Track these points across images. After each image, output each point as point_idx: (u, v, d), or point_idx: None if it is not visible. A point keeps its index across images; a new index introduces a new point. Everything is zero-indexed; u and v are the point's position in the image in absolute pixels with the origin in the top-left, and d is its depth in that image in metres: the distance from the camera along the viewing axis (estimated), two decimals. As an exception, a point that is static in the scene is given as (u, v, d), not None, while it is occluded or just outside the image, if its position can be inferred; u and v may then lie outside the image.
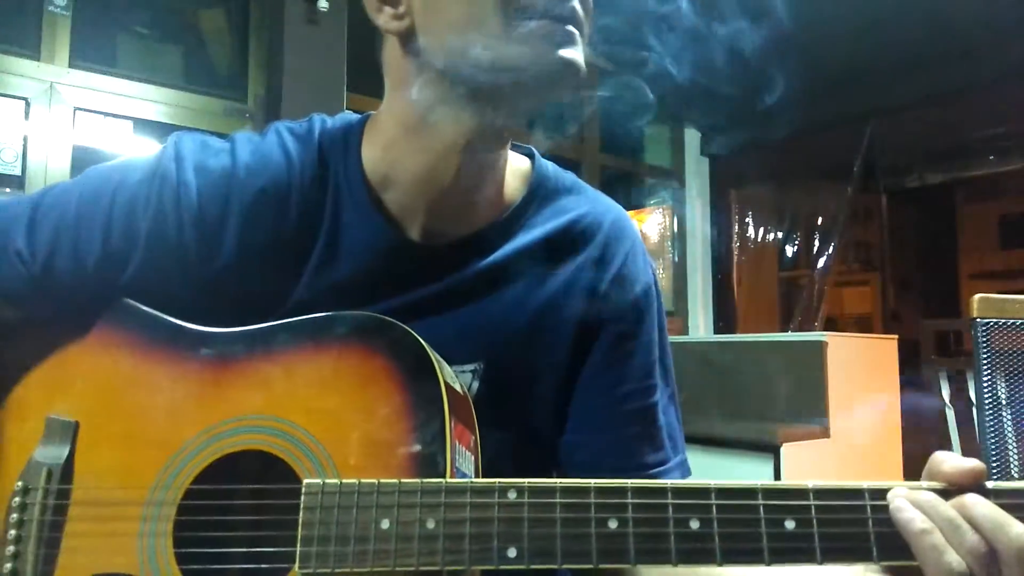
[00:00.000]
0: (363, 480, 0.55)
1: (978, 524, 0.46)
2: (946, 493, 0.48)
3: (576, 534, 0.51)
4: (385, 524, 0.53)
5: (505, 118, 0.68)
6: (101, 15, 2.87)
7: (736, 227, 5.00)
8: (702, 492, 0.50)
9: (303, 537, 0.54)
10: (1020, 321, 1.39)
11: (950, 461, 0.48)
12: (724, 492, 0.49)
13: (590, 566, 0.50)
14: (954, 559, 0.45)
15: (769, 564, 0.48)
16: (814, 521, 0.48)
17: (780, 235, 4.97)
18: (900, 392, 3.98)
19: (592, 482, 0.52)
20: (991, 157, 4.72)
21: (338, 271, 0.70)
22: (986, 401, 1.36)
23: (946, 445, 1.97)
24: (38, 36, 2.71)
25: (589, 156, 4.48)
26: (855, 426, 3.75)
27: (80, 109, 2.76)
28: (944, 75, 3.75)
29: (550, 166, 0.80)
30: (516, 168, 0.78)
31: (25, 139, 2.65)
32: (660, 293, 0.80)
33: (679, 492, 0.50)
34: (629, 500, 0.50)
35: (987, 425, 1.36)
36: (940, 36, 3.55)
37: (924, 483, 0.49)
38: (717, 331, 4.82)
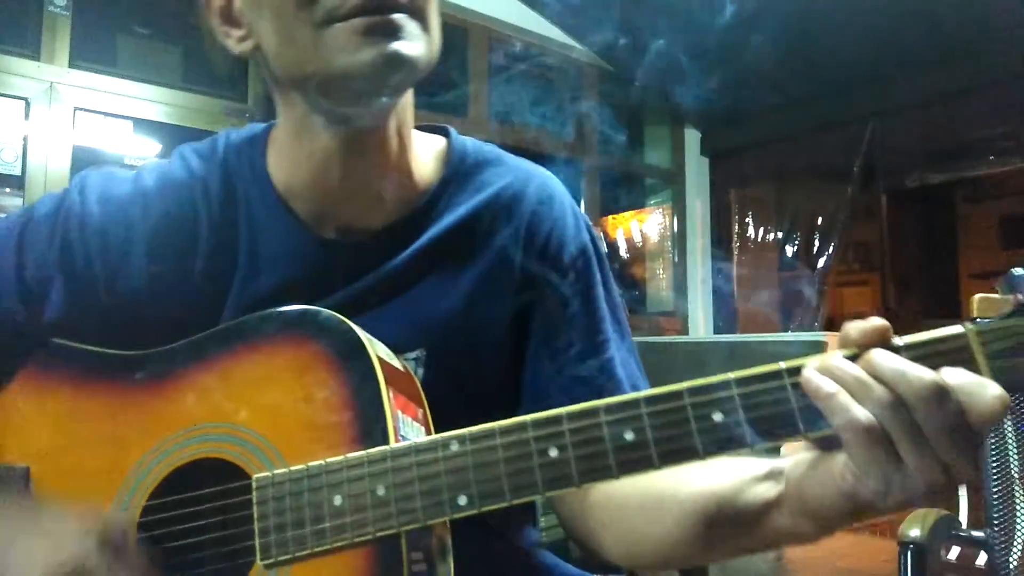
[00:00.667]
0: (310, 464, 0.56)
1: (883, 376, 0.46)
2: (857, 358, 0.48)
3: (520, 469, 0.52)
4: (338, 500, 0.55)
5: (360, 118, 0.67)
6: (101, 15, 2.87)
7: (736, 227, 5.00)
8: (632, 404, 0.51)
9: (260, 529, 0.56)
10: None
11: (856, 325, 0.49)
12: (651, 399, 0.51)
13: (538, 496, 0.52)
14: (861, 412, 0.45)
15: (704, 458, 0.49)
16: (740, 409, 0.48)
17: (780, 235, 4.97)
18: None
19: (527, 417, 0.53)
20: (991, 157, 4.71)
21: (264, 283, 0.70)
22: (986, 401, 1.36)
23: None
24: (38, 36, 2.71)
25: (589, 156, 4.48)
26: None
27: (80, 109, 2.76)
28: (944, 75, 3.75)
29: (468, 141, 0.79)
30: (431, 149, 0.77)
31: (25, 139, 2.64)
32: (600, 249, 0.79)
33: (610, 409, 0.51)
34: (565, 427, 0.52)
35: (987, 425, 1.36)
36: (940, 36, 3.55)
37: (836, 351, 0.49)
38: (717, 331, 4.81)
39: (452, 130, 0.80)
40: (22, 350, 0.68)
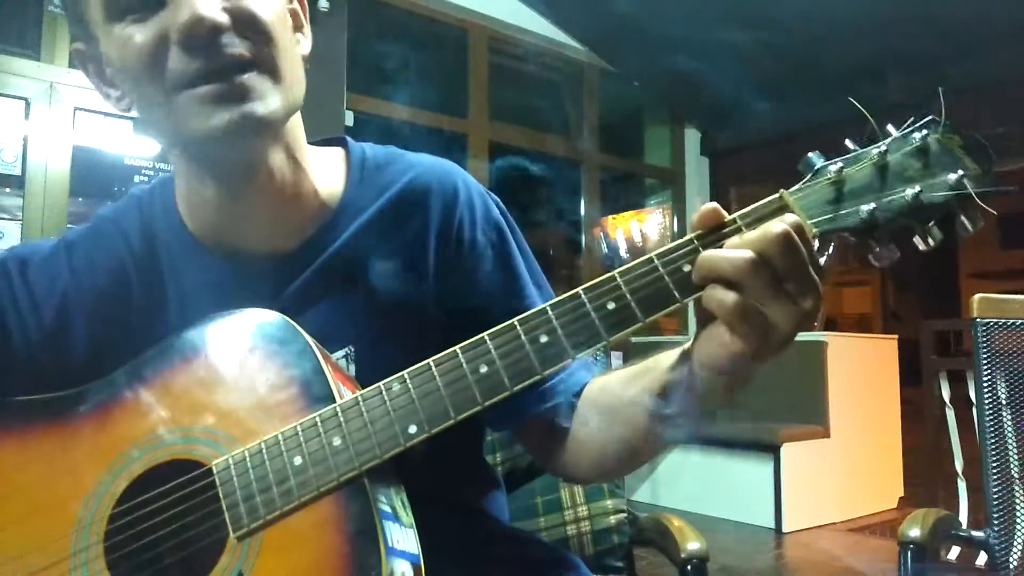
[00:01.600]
0: (265, 438, 0.60)
1: (749, 243, 0.54)
2: (705, 237, 0.59)
3: (458, 388, 0.59)
4: (298, 460, 0.58)
5: (236, 169, 0.69)
6: (101, 15, 2.87)
7: (736, 227, 4.99)
8: (541, 313, 0.59)
9: (228, 504, 0.58)
10: (1020, 321, 1.39)
11: (695, 216, 0.59)
12: (555, 305, 0.59)
13: (478, 407, 0.58)
14: (728, 295, 0.54)
15: (609, 338, 0.58)
16: (627, 294, 0.58)
17: (780, 235, 4.97)
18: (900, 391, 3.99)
19: (456, 347, 0.60)
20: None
21: (194, 316, 0.71)
22: (986, 401, 1.37)
23: (946, 445, 1.97)
24: (38, 36, 2.71)
25: (589, 156, 4.48)
26: (855, 425, 3.75)
27: (80, 109, 2.76)
28: (944, 75, 3.75)
29: (367, 146, 0.81)
30: (331, 162, 0.79)
31: (25, 139, 2.65)
32: (510, 220, 0.82)
33: (524, 321, 0.59)
34: (489, 344, 0.59)
35: (987, 425, 1.36)
36: (940, 36, 3.55)
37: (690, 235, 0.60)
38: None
39: (348, 138, 0.81)
40: None
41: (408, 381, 0.59)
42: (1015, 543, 1.32)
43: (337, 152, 0.80)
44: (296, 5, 0.73)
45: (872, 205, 0.57)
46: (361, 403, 0.59)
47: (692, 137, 4.99)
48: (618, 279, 0.58)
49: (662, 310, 0.59)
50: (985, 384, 1.37)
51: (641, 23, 3.91)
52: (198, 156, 0.69)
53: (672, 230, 4.94)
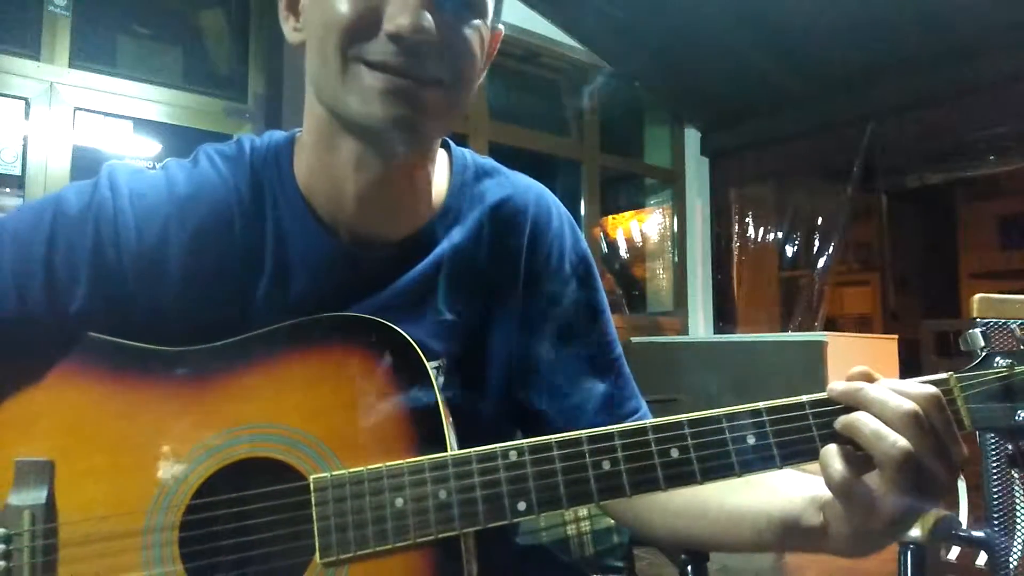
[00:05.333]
0: (369, 467, 0.58)
1: (902, 392, 0.55)
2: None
3: (576, 479, 0.57)
4: (399, 502, 0.57)
5: (376, 148, 0.68)
6: (101, 15, 2.87)
7: (736, 227, 5.00)
8: (676, 425, 0.58)
9: (320, 529, 0.57)
10: (1020, 321, 1.39)
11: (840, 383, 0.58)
12: (694, 422, 0.58)
13: (592, 503, 0.57)
14: (897, 438, 0.53)
15: (740, 475, 0.57)
16: (769, 433, 0.57)
17: (780, 235, 4.97)
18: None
19: (582, 433, 0.58)
20: (991, 157, 4.72)
21: (291, 289, 0.71)
22: (986, 401, 1.36)
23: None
24: (38, 36, 2.71)
25: (589, 156, 4.48)
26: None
27: (80, 109, 2.76)
28: (944, 75, 3.75)
29: (467, 152, 0.81)
30: (440, 162, 0.78)
31: (25, 139, 2.65)
32: (591, 256, 0.83)
33: (657, 428, 0.58)
34: (617, 442, 0.58)
35: (987, 425, 1.35)
36: (940, 36, 3.55)
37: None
38: (717, 331, 4.81)
39: (450, 142, 0.81)
40: (49, 343, 0.66)
41: (527, 455, 0.58)
42: (1015, 543, 1.32)
43: (442, 154, 0.80)
44: (492, 33, 0.73)
45: None
46: (475, 463, 0.58)
47: (692, 137, 4.99)
48: (764, 414, 0.57)
49: (801, 461, 0.58)
50: (985, 384, 1.36)
51: (641, 23, 3.91)
52: (349, 129, 0.67)
53: (672, 230, 4.94)
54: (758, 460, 0.57)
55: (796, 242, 4.90)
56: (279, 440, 0.60)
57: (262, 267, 0.71)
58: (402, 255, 0.73)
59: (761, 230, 5.00)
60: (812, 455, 0.56)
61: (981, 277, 7.07)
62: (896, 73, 3.84)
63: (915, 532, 1.16)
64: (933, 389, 0.54)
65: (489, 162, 0.82)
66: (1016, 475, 1.34)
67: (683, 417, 0.58)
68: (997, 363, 0.58)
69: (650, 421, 0.58)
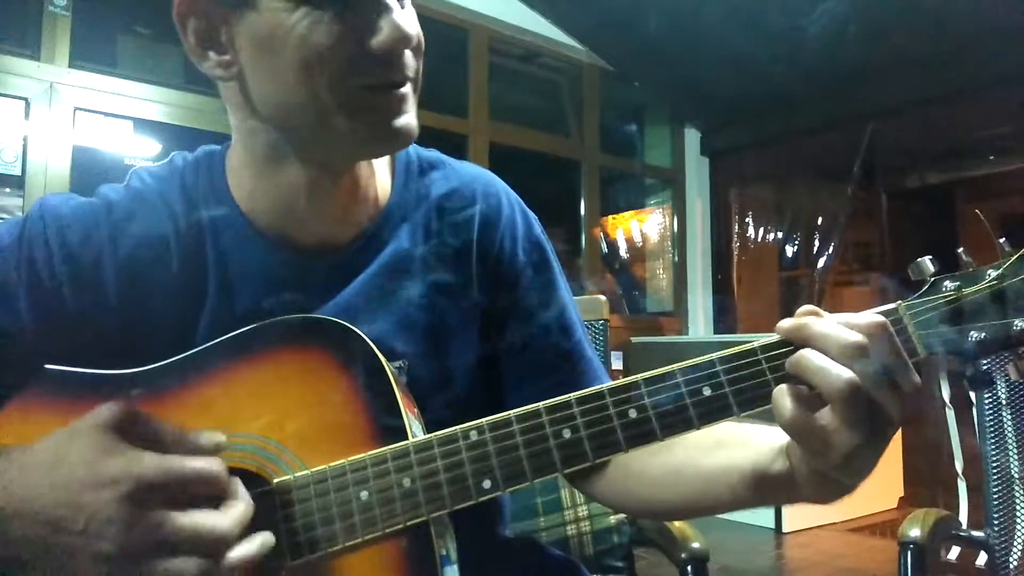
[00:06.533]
0: (331, 464, 0.58)
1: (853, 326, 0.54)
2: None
3: (538, 451, 0.57)
4: (364, 495, 0.57)
5: (338, 164, 0.68)
6: (101, 15, 2.87)
7: (736, 227, 5.00)
8: (632, 386, 0.57)
9: (288, 530, 0.57)
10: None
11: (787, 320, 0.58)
12: (649, 380, 0.57)
13: (556, 474, 0.57)
14: (842, 371, 0.51)
15: (699, 427, 0.56)
16: (724, 383, 0.56)
17: (780, 235, 4.97)
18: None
19: (539, 405, 0.58)
20: (991, 157, 4.72)
21: (238, 304, 0.70)
22: (986, 401, 1.36)
23: (946, 445, 1.97)
24: (38, 36, 2.71)
25: (589, 156, 4.48)
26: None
27: (80, 109, 2.76)
28: (944, 75, 3.75)
29: (409, 149, 0.79)
30: (382, 159, 0.77)
31: (25, 139, 2.65)
32: (549, 241, 0.81)
33: (614, 391, 0.58)
34: (575, 409, 0.58)
35: (987, 425, 1.36)
36: (940, 36, 3.55)
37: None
38: (717, 331, 4.81)
39: None
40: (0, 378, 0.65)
41: (487, 432, 0.58)
42: (1015, 543, 1.32)
43: None
44: None
45: (983, 334, 0.55)
46: (436, 447, 0.58)
47: (692, 137, 4.99)
48: (718, 364, 0.56)
49: (755, 406, 0.56)
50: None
51: (641, 23, 3.91)
52: (317, 146, 0.66)
53: (672, 230, 4.94)
54: (715, 411, 0.56)
55: (796, 242, 4.91)
56: (241, 448, 0.60)
57: (205, 286, 0.70)
58: (351, 260, 0.72)
59: (761, 230, 5.00)
60: (769, 400, 0.55)
61: (981, 277, 7.05)
62: (896, 73, 3.85)
63: (915, 532, 1.16)
64: (879, 318, 0.54)
65: (434, 154, 0.80)
66: (1016, 475, 1.34)
67: (639, 377, 0.57)
68: (945, 287, 0.57)
69: (607, 385, 0.58)
